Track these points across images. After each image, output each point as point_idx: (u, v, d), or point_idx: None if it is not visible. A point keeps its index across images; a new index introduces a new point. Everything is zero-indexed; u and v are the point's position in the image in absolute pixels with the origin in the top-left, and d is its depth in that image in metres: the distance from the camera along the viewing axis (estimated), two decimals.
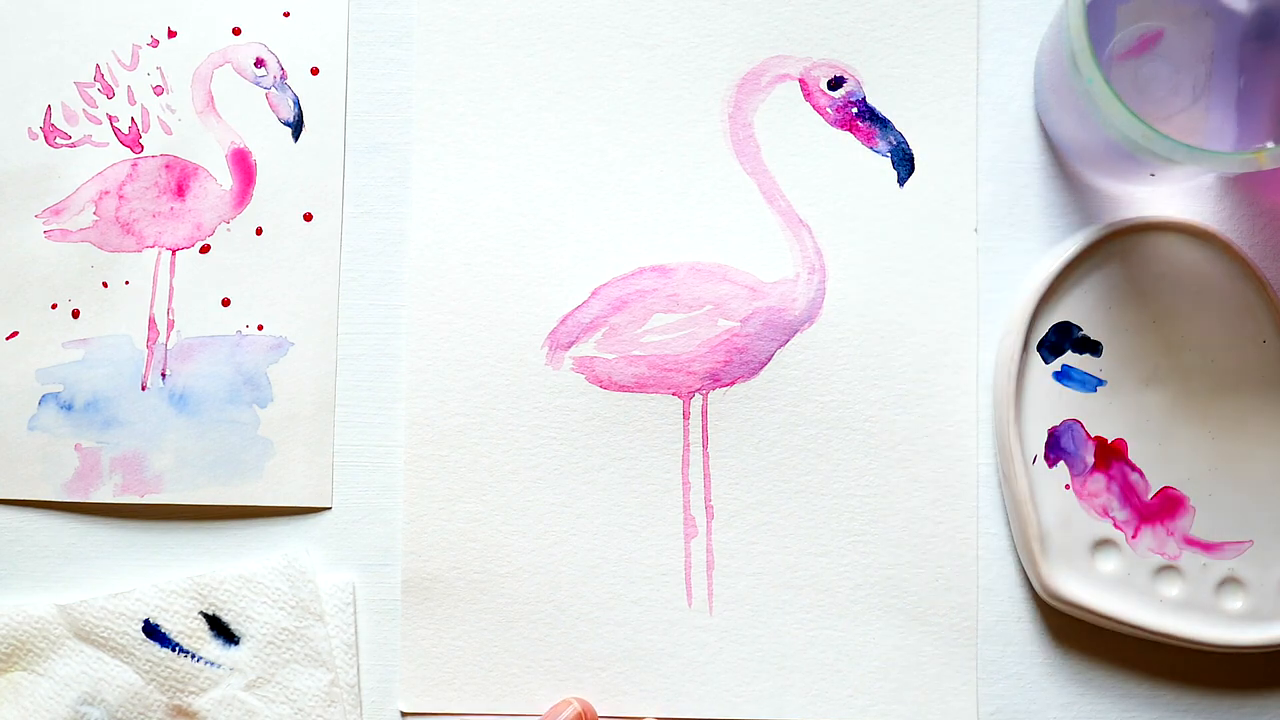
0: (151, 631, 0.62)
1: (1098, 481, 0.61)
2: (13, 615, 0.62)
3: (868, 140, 0.64)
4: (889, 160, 0.63)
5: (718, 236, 0.63)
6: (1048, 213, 0.64)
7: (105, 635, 0.62)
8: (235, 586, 0.62)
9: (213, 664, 0.62)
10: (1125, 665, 0.62)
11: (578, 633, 0.62)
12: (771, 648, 0.62)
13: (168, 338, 0.63)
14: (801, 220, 0.63)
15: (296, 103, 0.64)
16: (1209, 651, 0.61)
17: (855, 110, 0.64)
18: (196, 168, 0.64)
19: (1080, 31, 0.54)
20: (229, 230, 0.64)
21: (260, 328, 0.64)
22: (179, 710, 0.62)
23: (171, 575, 0.63)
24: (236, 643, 0.62)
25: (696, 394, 0.63)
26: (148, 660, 0.62)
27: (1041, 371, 0.62)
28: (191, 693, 0.62)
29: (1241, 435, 0.61)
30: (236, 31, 0.64)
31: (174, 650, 0.62)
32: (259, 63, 0.64)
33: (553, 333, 0.63)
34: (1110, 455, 0.61)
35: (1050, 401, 0.61)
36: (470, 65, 0.64)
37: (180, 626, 0.62)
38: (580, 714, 0.60)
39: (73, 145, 0.64)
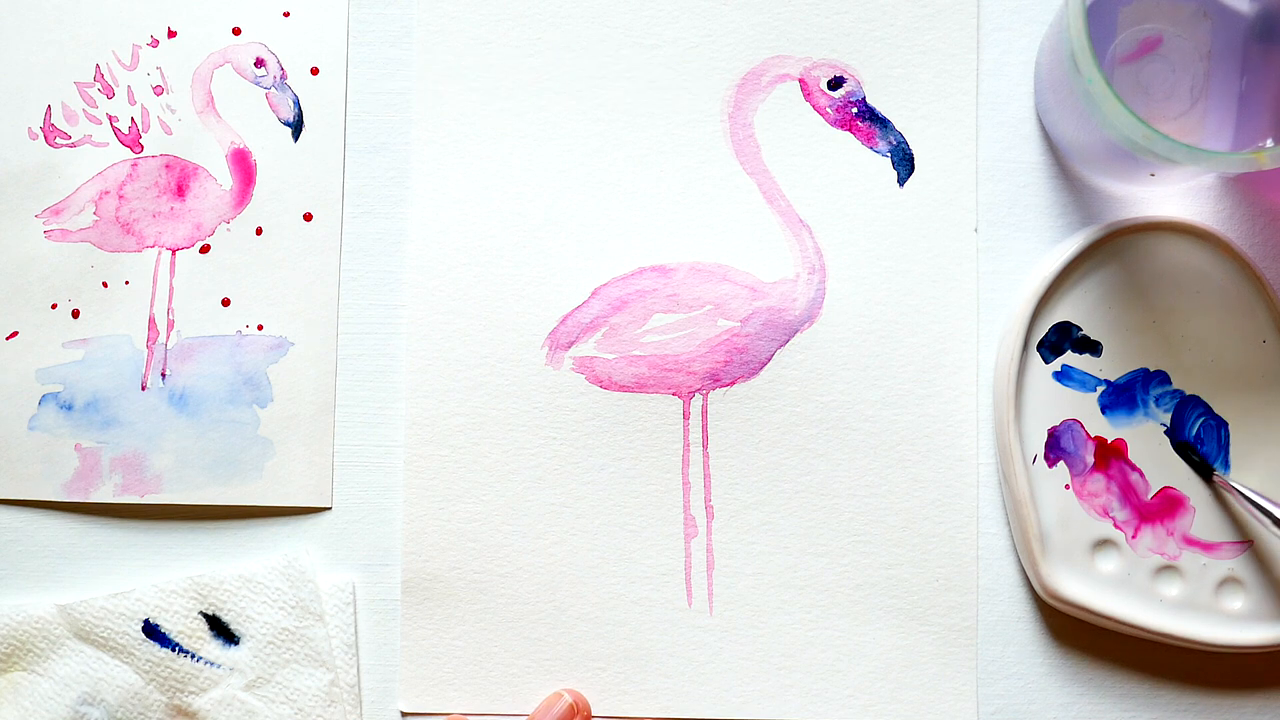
0: (151, 631, 0.62)
1: (1098, 481, 0.61)
2: (13, 615, 0.62)
3: (868, 140, 0.64)
4: (889, 160, 0.63)
5: (718, 236, 0.63)
6: (1048, 213, 0.64)
7: (105, 635, 0.62)
8: (235, 586, 0.62)
9: (213, 664, 0.62)
10: (1125, 665, 0.62)
11: (578, 633, 0.62)
12: (771, 648, 0.62)
13: (168, 338, 0.63)
14: (801, 220, 0.63)
15: (296, 103, 0.64)
16: (1209, 651, 0.61)
17: (855, 110, 0.64)
18: (196, 168, 0.64)
19: (1080, 32, 0.54)
20: (229, 230, 0.64)
21: (260, 328, 0.64)
22: (179, 710, 0.62)
23: (171, 575, 0.63)
24: (236, 643, 0.62)
25: (696, 394, 0.63)
26: (147, 660, 0.62)
27: (1041, 371, 0.62)
28: (191, 693, 0.62)
29: (1241, 435, 0.61)
30: (236, 31, 0.64)
31: (174, 650, 0.62)
32: (259, 63, 0.64)
33: (553, 333, 0.63)
34: (1110, 455, 0.61)
35: (1050, 401, 0.61)
36: (470, 65, 0.64)
37: (180, 626, 0.62)
38: (572, 706, 0.60)
39: (73, 145, 0.64)
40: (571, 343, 0.63)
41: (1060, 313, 0.62)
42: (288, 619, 0.62)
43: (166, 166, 0.64)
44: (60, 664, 0.62)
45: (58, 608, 0.62)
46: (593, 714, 0.62)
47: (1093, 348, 0.62)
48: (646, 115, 0.64)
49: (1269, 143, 0.59)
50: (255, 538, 0.63)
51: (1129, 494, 0.61)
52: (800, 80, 0.64)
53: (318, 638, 0.62)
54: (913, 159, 0.63)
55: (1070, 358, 0.62)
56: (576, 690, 0.62)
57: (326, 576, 0.63)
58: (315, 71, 0.64)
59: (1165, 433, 0.61)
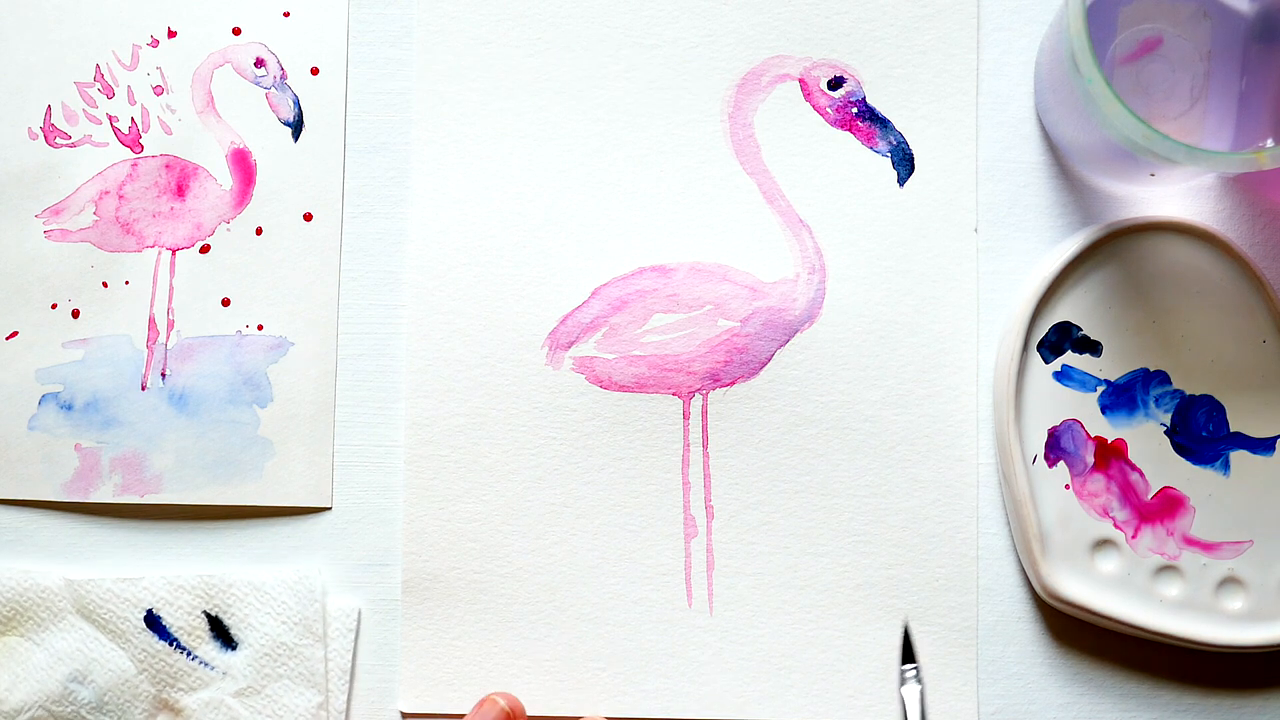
0: (152, 622, 0.62)
1: (1098, 481, 0.61)
2: (20, 580, 0.62)
3: (868, 140, 0.64)
4: (889, 160, 0.63)
5: (718, 236, 0.63)
6: (1048, 213, 0.64)
7: (107, 617, 0.62)
8: (242, 592, 0.62)
9: (207, 665, 0.62)
10: (1125, 665, 0.62)
11: (578, 633, 0.62)
12: (771, 648, 0.62)
13: (168, 338, 0.63)
14: (801, 220, 0.63)
15: (296, 103, 0.64)
16: (1209, 651, 0.61)
17: (855, 110, 0.64)
18: (196, 168, 0.64)
19: (1080, 32, 0.54)
20: (229, 230, 0.64)
21: (260, 328, 0.64)
22: (166, 705, 0.62)
23: (176, 573, 0.63)
24: (234, 648, 0.62)
25: (696, 394, 0.63)
26: (143, 650, 0.62)
27: (1041, 371, 0.62)
28: (181, 690, 0.62)
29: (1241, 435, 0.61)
30: (236, 31, 0.64)
31: (171, 644, 0.62)
32: (259, 63, 0.64)
33: (553, 333, 0.63)
34: (1110, 455, 0.61)
35: (1050, 401, 0.61)
36: (470, 65, 0.64)
37: (181, 622, 0.62)
38: (506, 714, 0.59)
39: (73, 145, 0.64)
40: (571, 343, 0.63)
41: (1060, 313, 0.62)
42: (288, 634, 0.62)
43: (166, 166, 0.64)
44: (58, 637, 0.62)
45: (65, 581, 0.62)
46: (591, 715, 0.62)
47: (1093, 348, 0.62)
48: (646, 115, 0.64)
49: (1269, 143, 0.59)
50: (255, 538, 0.63)
51: (1129, 494, 0.61)
52: (800, 80, 0.64)
53: (314, 658, 0.62)
54: (913, 159, 0.63)
55: (1070, 358, 0.62)
56: (512, 696, 0.61)
57: (334, 599, 0.63)
58: (315, 71, 0.64)
59: (1165, 433, 0.61)
